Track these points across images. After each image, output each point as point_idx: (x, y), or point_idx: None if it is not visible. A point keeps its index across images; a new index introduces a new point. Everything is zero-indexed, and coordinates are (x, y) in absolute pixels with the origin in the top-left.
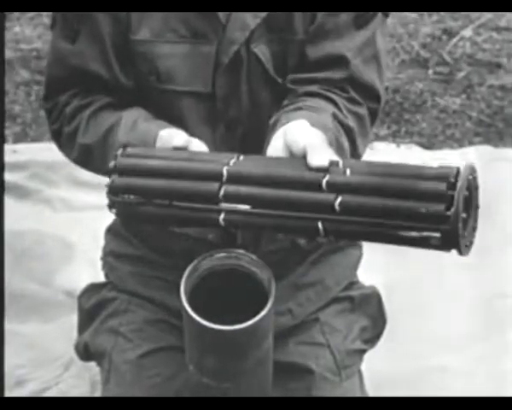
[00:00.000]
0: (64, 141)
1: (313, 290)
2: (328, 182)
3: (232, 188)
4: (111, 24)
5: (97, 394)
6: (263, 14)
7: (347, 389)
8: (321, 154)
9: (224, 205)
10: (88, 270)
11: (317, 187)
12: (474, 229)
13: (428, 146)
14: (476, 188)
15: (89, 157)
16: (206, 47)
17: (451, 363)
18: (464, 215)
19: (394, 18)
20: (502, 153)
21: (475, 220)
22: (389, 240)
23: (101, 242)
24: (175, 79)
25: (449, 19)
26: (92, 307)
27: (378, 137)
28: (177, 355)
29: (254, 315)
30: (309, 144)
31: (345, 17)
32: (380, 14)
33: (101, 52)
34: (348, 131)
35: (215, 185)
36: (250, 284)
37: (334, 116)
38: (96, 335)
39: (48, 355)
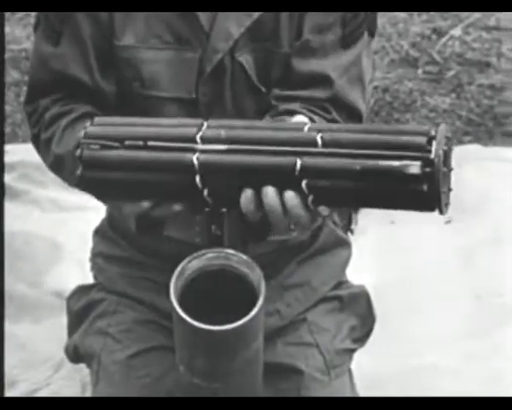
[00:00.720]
0: (41, 146)
1: (301, 291)
2: (310, 127)
3: (211, 131)
4: (92, 25)
5: (88, 395)
6: (247, 24)
7: (337, 389)
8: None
9: (200, 146)
10: (77, 271)
11: (299, 130)
12: (450, 190)
13: None
14: (451, 149)
15: (61, 167)
16: (190, 54)
17: (442, 362)
18: (445, 148)
19: (384, 17)
20: (491, 152)
21: (450, 182)
22: (368, 175)
23: (90, 242)
24: (159, 85)
25: (438, 18)
26: (81, 308)
27: None
28: (166, 355)
29: (244, 315)
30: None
31: (331, 36)
32: (366, 34)
33: (82, 55)
34: None
35: (193, 129)
36: (240, 284)
37: None
38: (86, 336)
39: (38, 356)
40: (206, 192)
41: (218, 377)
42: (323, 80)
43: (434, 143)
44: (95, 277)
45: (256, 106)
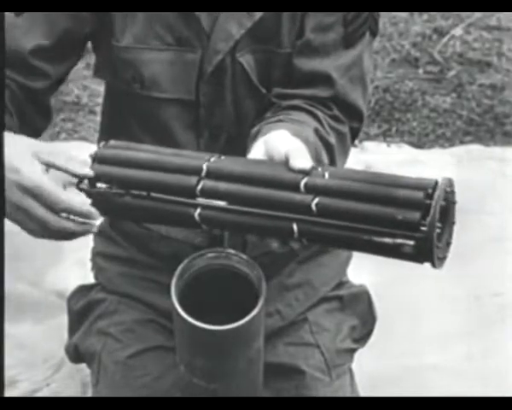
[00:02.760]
0: None
1: (301, 291)
2: (306, 184)
3: (210, 183)
4: (69, 20)
5: (88, 395)
6: (248, 25)
7: (338, 389)
8: (303, 157)
9: (200, 200)
10: (77, 270)
11: (295, 188)
12: (449, 244)
13: (419, 145)
14: (453, 203)
15: None
16: (191, 55)
17: (442, 362)
18: (439, 225)
19: (384, 17)
20: (492, 152)
21: (450, 235)
22: (362, 246)
23: (91, 242)
24: (159, 86)
25: (439, 18)
26: (81, 309)
27: (369, 137)
28: (166, 355)
29: (245, 315)
30: (290, 150)
31: (333, 35)
32: (368, 34)
33: (41, 36)
34: (329, 148)
35: (193, 179)
36: (240, 283)
37: (316, 131)
38: (86, 337)
39: (38, 356)
40: (204, 227)
41: (218, 377)
42: (325, 80)
43: (429, 218)
44: (95, 276)
45: (256, 107)
